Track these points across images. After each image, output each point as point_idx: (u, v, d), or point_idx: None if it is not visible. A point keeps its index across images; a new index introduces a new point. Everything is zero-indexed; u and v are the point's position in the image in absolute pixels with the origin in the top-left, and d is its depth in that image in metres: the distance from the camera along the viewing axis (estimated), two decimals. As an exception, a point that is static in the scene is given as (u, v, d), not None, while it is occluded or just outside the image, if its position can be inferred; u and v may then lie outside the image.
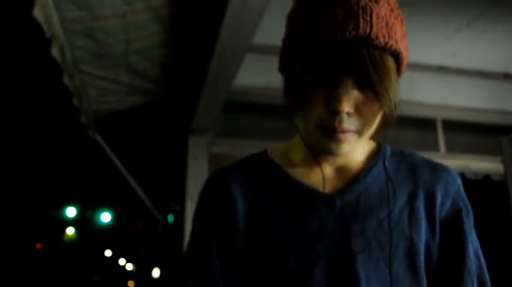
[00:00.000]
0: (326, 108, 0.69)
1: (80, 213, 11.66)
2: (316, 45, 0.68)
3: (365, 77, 0.68)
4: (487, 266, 0.79)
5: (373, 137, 0.78)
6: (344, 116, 0.69)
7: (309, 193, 0.77)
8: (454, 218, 0.78)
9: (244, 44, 2.10)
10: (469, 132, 3.57)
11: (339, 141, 0.70)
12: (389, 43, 0.69)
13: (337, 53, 0.67)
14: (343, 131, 0.70)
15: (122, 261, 19.35)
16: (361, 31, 0.66)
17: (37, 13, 1.60)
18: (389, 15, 0.70)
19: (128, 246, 16.19)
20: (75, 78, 2.27)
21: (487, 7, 2.73)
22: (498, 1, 2.66)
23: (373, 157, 0.82)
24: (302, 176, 0.79)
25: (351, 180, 0.78)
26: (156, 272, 11.38)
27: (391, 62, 0.70)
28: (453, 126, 3.51)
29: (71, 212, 11.34)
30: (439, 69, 3.47)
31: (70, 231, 13.19)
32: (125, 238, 14.70)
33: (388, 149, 0.84)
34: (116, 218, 11.56)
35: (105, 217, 11.40)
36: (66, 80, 2.14)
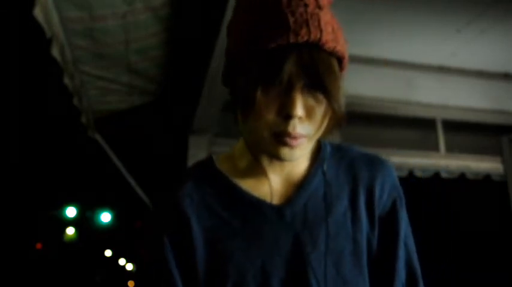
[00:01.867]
0: (279, 114, 0.70)
1: (80, 213, 11.65)
2: (266, 52, 0.69)
3: (317, 81, 0.69)
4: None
5: (321, 138, 0.79)
6: (297, 121, 0.69)
7: (258, 205, 0.78)
8: (389, 209, 0.82)
9: (244, 44, 2.09)
10: (469, 132, 3.57)
11: (291, 147, 0.71)
12: (337, 48, 0.71)
13: (289, 58, 0.68)
14: (295, 137, 0.70)
15: (122, 261, 19.35)
16: (312, 36, 0.68)
17: (37, 13, 1.59)
18: (333, 21, 0.73)
19: (128, 246, 16.19)
20: (75, 78, 2.27)
21: (487, 7, 2.73)
22: (498, 1, 2.66)
23: (315, 159, 0.83)
24: (250, 186, 0.79)
25: (297, 187, 0.80)
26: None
27: (336, 66, 0.72)
28: (453, 126, 3.51)
29: (71, 212, 11.33)
30: (439, 69, 3.47)
31: (70, 231, 13.18)
32: (125, 238, 14.70)
33: (328, 148, 0.85)
34: (116, 218, 11.57)
35: (105, 217, 11.39)
36: (66, 80, 2.14)
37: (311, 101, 0.71)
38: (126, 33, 2.12)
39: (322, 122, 0.73)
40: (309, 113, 0.71)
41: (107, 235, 13.61)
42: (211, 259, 0.76)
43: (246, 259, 0.75)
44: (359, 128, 3.16)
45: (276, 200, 0.79)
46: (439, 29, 2.97)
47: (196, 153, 2.97)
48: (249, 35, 0.71)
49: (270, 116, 0.70)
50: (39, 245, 13.93)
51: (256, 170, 0.80)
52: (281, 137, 0.70)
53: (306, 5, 0.69)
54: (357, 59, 3.13)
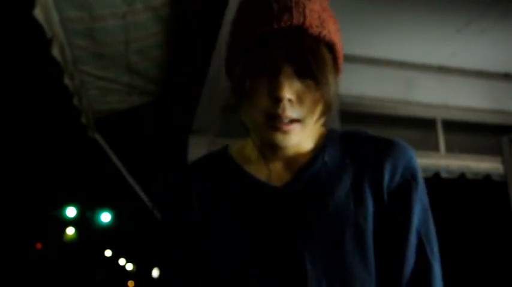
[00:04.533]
0: (269, 97, 0.73)
1: (80, 213, 11.64)
2: (254, 39, 0.73)
3: (304, 65, 0.72)
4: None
5: (322, 124, 0.81)
6: (286, 103, 0.72)
7: (258, 186, 0.80)
8: (400, 191, 0.77)
9: (244, 44, 2.09)
10: (469, 132, 3.57)
11: (285, 133, 0.74)
12: (323, 33, 0.73)
13: (274, 43, 0.71)
14: (286, 123, 0.73)
15: (122, 261, 19.35)
16: (295, 21, 0.71)
17: (37, 13, 1.59)
18: (322, 12, 0.75)
19: (128, 246, 16.18)
20: (75, 78, 2.27)
21: (487, 7, 2.73)
22: (498, 1, 2.66)
23: (320, 144, 0.83)
24: (254, 171, 0.82)
25: (297, 170, 0.80)
26: (156, 272, 11.38)
27: (326, 53, 0.74)
28: (453, 126, 3.51)
29: (71, 212, 11.32)
30: (439, 69, 3.47)
31: (70, 231, 13.17)
32: (125, 238, 14.70)
33: (336, 134, 0.85)
34: (116, 218, 11.56)
35: (105, 217, 11.39)
36: (66, 80, 2.14)
37: (301, 86, 0.73)
38: (126, 33, 2.12)
39: (314, 107, 0.74)
40: (299, 97, 0.73)
41: (107, 235, 13.60)
42: (208, 235, 0.79)
43: (240, 236, 0.76)
44: (359, 128, 3.16)
45: (276, 182, 0.80)
46: (439, 29, 2.97)
47: (196, 153, 2.97)
48: (238, 25, 0.77)
49: (262, 99, 0.73)
50: (39, 245, 13.93)
51: (259, 156, 0.83)
52: (273, 121, 0.73)
53: None
54: (357, 59, 3.13)
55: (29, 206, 10.64)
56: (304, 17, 0.72)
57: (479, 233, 3.74)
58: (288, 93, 0.72)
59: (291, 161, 0.81)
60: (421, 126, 3.48)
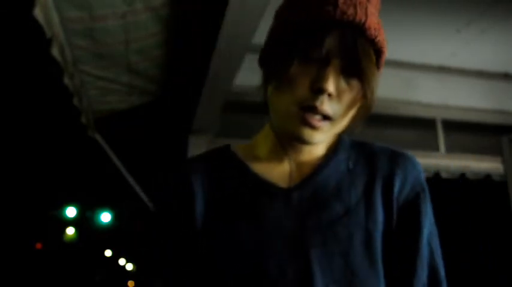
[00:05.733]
0: (310, 88, 0.70)
1: (80, 213, 11.64)
2: (310, 23, 0.70)
3: (355, 62, 0.70)
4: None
5: (342, 131, 0.79)
6: (326, 97, 0.70)
7: (267, 187, 0.77)
8: (411, 203, 0.78)
9: (244, 44, 2.10)
10: (469, 132, 3.57)
11: (314, 128, 0.71)
12: (378, 38, 0.72)
13: (331, 33, 0.69)
14: (318, 119, 0.71)
15: (122, 261, 19.34)
16: (357, 18, 0.69)
17: (37, 13, 1.59)
18: (377, 17, 0.74)
19: (128, 246, 16.18)
20: (75, 78, 2.27)
21: (487, 7, 2.73)
22: (498, 1, 2.66)
23: (333, 150, 0.82)
24: (264, 170, 0.80)
25: (309, 174, 0.78)
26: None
27: (374, 57, 0.73)
28: (453, 126, 3.51)
29: (71, 212, 11.32)
30: (439, 69, 3.47)
31: (70, 231, 13.16)
32: (125, 238, 14.69)
33: (348, 141, 0.84)
34: (116, 218, 11.55)
35: (105, 217, 11.39)
36: (66, 80, 2.13)
37: (343, 84, 0.72)
38: (126, 33, 2.12)
39: (349, 108, 0.73)
40: (339, 94, 0.71)
41: (107, 235, 13.59)
42: (211, 235, 0.76)
43: (245, 238, 0.74)
44: (359, 128, 3.16)
45: (286, 184, 0.78)
46: (439, 29, 2.97)
47: (196, 153, 2.96)
48: (294, 6, 0.73)
49: (301, 89, 0.71)
50: (39, 245, 13.92)
51: (272, 156, 0.81)
52: (307, 113, 0.70)
53: None
54: (357, 59, 3.13)
55: (29, 206, 10.63)
56: (366, 16, 0.70)
57: (480, 233, 3.74)
58: (331, 86, 0.69)
59: (303, 164, 0.80)
60: (421, 126, 3.48)
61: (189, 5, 2.17)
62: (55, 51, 1.88)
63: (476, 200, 3.53)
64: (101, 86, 2.56)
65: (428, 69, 3.45)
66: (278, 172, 0.80)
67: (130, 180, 3.52)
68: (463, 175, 3.41)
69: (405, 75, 3.39)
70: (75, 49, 2.14)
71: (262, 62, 0.80)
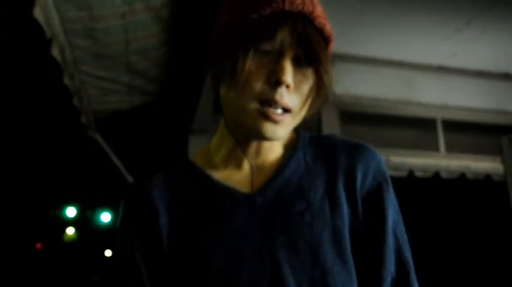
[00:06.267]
0: (267, 82, 0.70)
1: (80, 213, 11.65)
2: (261, 18, 0.70)
3: (310, 51, 0.70)
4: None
5: (299, 124, 0.78)
6: (285, 89, 0.70)
7: (230, 194, 0.76)
8: (374, 193, 0.78)
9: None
10: (469, 132, 3.57)
11: (276, 123, 0.71)
12: (326, 26, 0.73)
13: (282, 24, 0.69)
14: (279, 113, 0.70)
15: (122, 261, 19.33)
16: (306, 7, 0.70)
17: (37, 13, 1.59)
18: (321, 6, 0.75)
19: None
20: (75, 78, 2.27)
21: (487, 7, 2.73)
22: (498, 1, 2.66)
23: (291, 148, 0.81)
24: (224, 177, 0.79)
25: (270, 176, 0.78)
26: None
27: (324, 45, 0.74)
28: (453, 126, 3.51)
29: (71, 212, 11.33)
30: (439, 69, 3.47)
31: (70, 231, 13.16)
32: (125, 238, 14.67)
33: (306, 137, 0.83)
34: (116, 218, 11.56)
35: (105, 217, 11.39)
36: (66, 80, 2.14)
37: (299, 76, 0.72)
38: (126, 33, 2.12)
39: (307, 99, 0.73)
40: (297, 86, 0.72)
41: (107, 235, 13.59)
42: (180, 248, 0.74)
43: (215, 248, 0.72)
44: (359, 128, 3.16)
45: (248, 189, 0.77)
46: (439, 29, 2.97)
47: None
48: (245, 2, 0.73)
49: (258, 84, 0.70)
50: (39, 245, 13.92)
51: (231, 161, 0.80)
52: (267, 108, 0.70)
53: None
54: (356, 59, 3.13)
55: (29, 206, 10.63)
56: (314, 6, 0.71)
57: (479, 233, 3.74)
58: (289, 77, 0.69)
59: (264, 164, 0.79)
60: (421, 126, 3.48)
61: (189, 5, 2.17)
62: (55, 52, 1.88)
63: (476, 200, 3.54)
64: (101, 86, 2.56)
65: (428, 69, 3.45)
66: (239, 177, 0.78)
67: (131, 180, 3.51)
68: (463, 175, 3.41)
69: (405, 75, 3.39)
70: (75, 49, 2.14)
71: (213, 62, 0.78)
